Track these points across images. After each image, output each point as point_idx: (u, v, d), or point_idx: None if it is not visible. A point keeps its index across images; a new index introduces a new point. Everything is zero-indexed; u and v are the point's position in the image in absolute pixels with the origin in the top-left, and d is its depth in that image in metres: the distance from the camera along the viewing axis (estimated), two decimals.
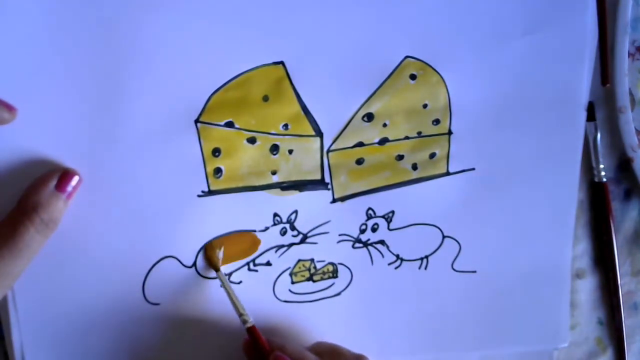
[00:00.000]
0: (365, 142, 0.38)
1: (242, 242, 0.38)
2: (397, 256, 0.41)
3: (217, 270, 0.37)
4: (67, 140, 0.33)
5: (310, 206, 0.38)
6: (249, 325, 0.36)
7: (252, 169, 0.37)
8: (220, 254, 0.37)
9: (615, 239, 0.45)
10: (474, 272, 0.42)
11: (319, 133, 0.37)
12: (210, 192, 0.36)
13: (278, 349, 0.36)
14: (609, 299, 0.47)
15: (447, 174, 0.40)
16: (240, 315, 0.36)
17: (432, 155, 0.40)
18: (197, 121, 0.35)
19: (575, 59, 0.40)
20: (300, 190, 0.38)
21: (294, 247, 0.39)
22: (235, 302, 0.36)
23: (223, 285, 0.37)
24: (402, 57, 0.37)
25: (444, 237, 0.41)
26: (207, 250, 0.37)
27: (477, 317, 0.43)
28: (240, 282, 0.38)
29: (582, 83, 0.40)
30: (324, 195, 0.39)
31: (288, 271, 0.39)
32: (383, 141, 0.39)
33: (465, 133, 0.39)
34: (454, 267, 0.42)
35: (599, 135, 0.43)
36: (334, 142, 0.38)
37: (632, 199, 0.46)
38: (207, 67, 0.34)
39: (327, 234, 0.39)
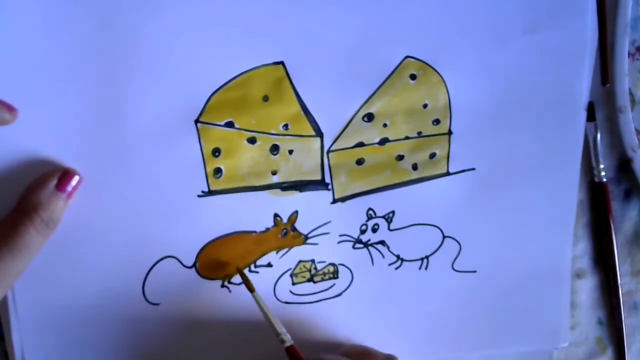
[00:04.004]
0: (366, 142, 0.38)
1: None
2: (398, 256, 0.41)
3: (252, 291, 0.37)
4: (67, 140, 0.33)
5: (311, 207, 0.38)
6: (287, 345, 0.36)
7: (252, 169, 0.37)
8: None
9: (615, 239, 0.45)
10: (474, 272, 0.42)
11: (319, 133, 0.37)
12: (210, 192, 0.36)
13: None
14: (609, 299, 0.47)
15: (448, 174, 0.40)
16: (278, 335, 0.36)
17: (432, 155, 0.40)
18: (197, 121, 0.35)
19: (575, 59, 0.40)
20: (301, 190, 0.38)
21: (294, 248, 0.39)
22: (272, 322, 0.36)
23: (259, 306, 0.36)
24: (402, 57, 0.37)
25: (444, 237, 0.41)
26: (241, 272, 0.37)
27: (477, 317, 0.43)
28: (241, 283, 0.38)
29: (582, 83, 0.40)
30: (325, 195, 0.38)
31: (289, 272, 0.39)
32: (383, 141, 0.38)
33: (466, 133, 0.39)
34: (454, 267, 0.42)
35: (599, 135, 0.43)
36: (334, 142, 0.38)
37: (632, 199, 0.46)
38: (207, 67, 0.34)
39: (328, 234, 0.39)
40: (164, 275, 0.36)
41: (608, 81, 0.42)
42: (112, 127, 0.33)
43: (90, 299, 0.35)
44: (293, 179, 0.38)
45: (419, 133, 0.39)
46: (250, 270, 0.38)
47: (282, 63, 0.35)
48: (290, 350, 0.36)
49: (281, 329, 0.36)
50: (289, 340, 0.36)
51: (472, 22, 0.37)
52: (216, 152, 0.36)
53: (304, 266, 0.39)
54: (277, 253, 0.39)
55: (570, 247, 0.43)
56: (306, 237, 0.39)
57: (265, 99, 0.36)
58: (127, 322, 0.37)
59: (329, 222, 0.39)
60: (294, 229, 0.38)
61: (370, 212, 0.40)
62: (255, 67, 0.35)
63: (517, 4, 0.38)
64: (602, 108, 0.44)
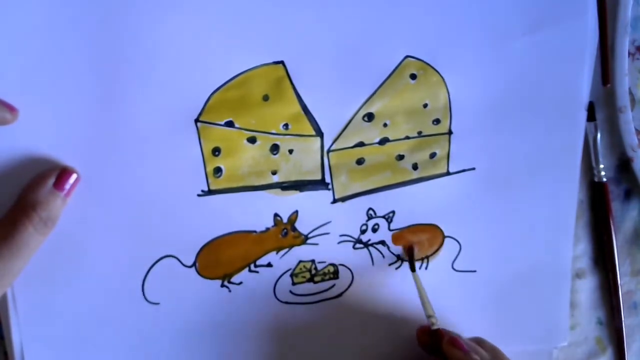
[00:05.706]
0: (366, 142, 0.38)
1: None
2: (398, 256, 0.41)
3: (413, 270, 0.40)
4: (67, 139, 0.33)
5: (311, 206, 0.38)
6: (435, 327, 0.38)
7: (252, 168, 0.37)
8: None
9: (615, 239, 0.45)
10: (474, 271, 0.42)
11: (319, 133, 0.37)
12: (210, 192, 0.36)
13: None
14: (609, 299, 0.47)
15: (448, 173, 0.40)
16: (429, 316, 0.38)
17: (433, 155, 0.40)
18: (197, 120, 0.35)
19: (575, 59, 0.40)
20: (301, 190, 0.38)
21: (294, 248, 0.39)
22: (426, 303, 0.39)
23: (417, 286, 0.39)
24: (402, 56, 0.37)
25: (444, 237, 0.41)
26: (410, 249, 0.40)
27: (477, 317, 0.43)
28: (241, 283, 0.38)
29: (582, 83, 0.40)
30: (325, 195, 0.38)
31: (289, 272, 0.39)
32: (383, 141, 0.38)
33: (466, 133, 0.39)
34: (454, 266, 0.42)
35: (599, 135, 0.43)
36: (334, 142, 0.38)
37: (632, 199, 0.46)
38: (207, 66, 0.34)
39: (328, 234, 0.39)
40: (163, 274, 0.36)
41: (608, 81, 0.42)
42: (111, 126, 0.33)
43: (90, 299, 0.35)
44: (293, 178, 0.38)
45: (419, 133, 0.39)
46: (250, 270, 0.38)
47: (282, 63, 0.35)
48: (437, 333, 0.38)
49: (432, 311, 0.38)
50: (437, 323, 0.38)
51: (473, 22, 0.38)
52: (216, 151, 0.35)
53: (304, 266, 0.39)
54: (277, 253, 0.39)
55: (571, 247, 0.44)
56: (306, 237, 0.39)
57: (266, 98, 0.36)
58: (127, 322, 0.36)
59: (329, 222, 0.39)
60: (294, 229, 0.38)
61: (371, 212, 0.40)
62: (255, 66, 0.35)
63: (517, 4, 0.38)
64: (602, 108, 0.44)
